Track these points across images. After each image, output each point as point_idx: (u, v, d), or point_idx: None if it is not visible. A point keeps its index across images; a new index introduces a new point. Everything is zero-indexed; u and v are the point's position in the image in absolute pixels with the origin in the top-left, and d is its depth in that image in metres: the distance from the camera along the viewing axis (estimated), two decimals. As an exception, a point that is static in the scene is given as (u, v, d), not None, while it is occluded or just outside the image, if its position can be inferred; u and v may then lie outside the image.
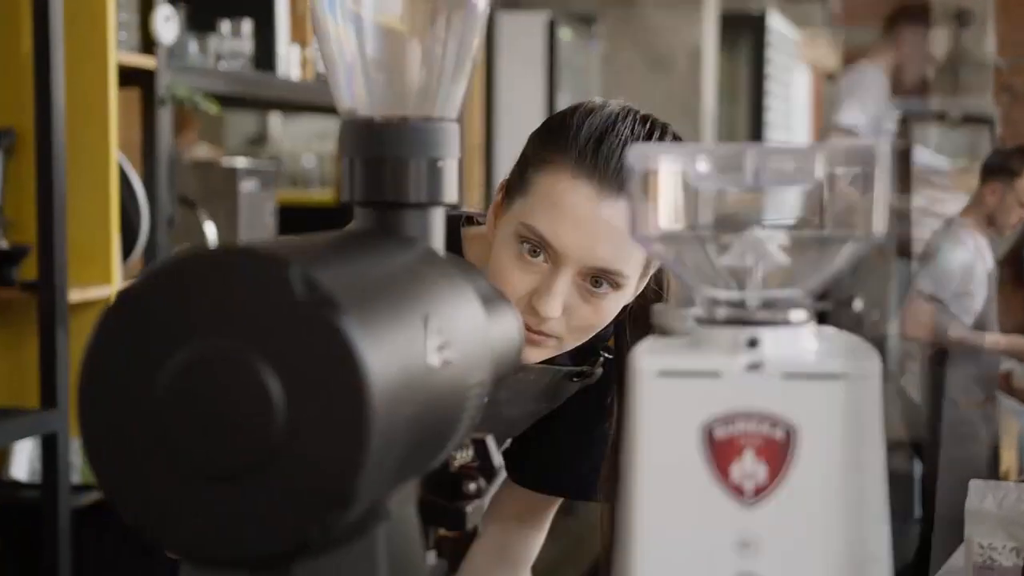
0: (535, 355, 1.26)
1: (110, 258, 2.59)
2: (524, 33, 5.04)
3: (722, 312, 0.67)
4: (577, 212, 1.19)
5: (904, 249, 4.46)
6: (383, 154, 0.73)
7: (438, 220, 0.75)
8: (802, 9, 7.95)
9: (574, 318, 1.23)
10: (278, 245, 0.62)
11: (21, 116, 2.45)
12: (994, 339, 4.48)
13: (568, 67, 5.27)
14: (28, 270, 2.47)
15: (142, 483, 0.60)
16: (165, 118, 2.82)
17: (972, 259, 4.31)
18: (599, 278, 1.22)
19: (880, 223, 0.65)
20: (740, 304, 0.67)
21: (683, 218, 0.68)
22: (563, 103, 4.76)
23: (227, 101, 3.40)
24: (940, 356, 3.90)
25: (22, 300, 2.49)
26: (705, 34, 5.86)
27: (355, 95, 0.74)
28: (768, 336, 0.65)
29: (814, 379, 0.64)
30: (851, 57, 7.08)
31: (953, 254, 4.22)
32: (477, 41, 0.76)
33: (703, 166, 0.66)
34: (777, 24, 7.19)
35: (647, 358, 0.65)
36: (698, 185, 0.67)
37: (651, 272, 1.30)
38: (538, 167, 1.23)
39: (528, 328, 1.21)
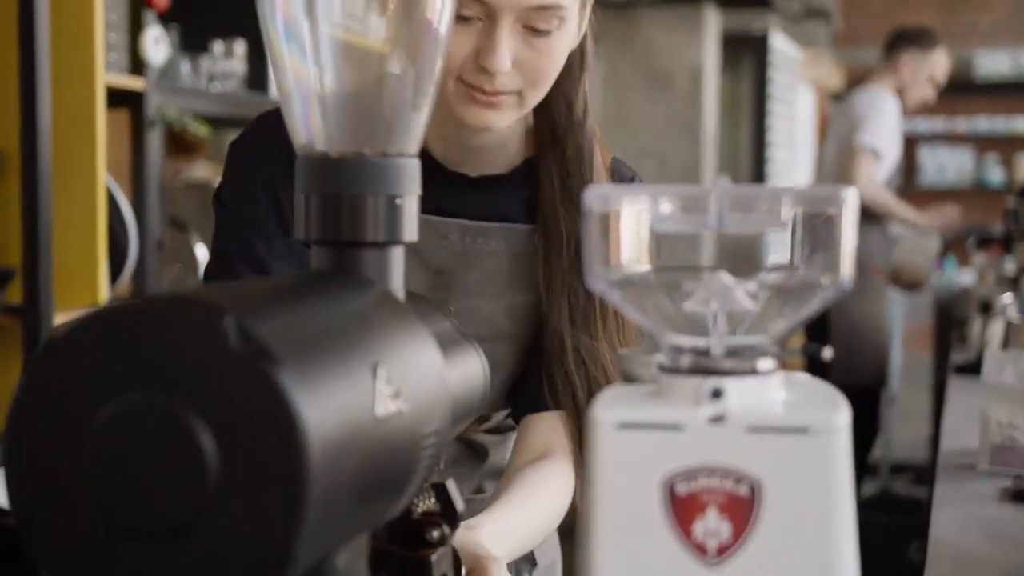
0: (497, 118, 1.23)
1: (97, 282, 2.56)
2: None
3: (686, 360, 0.64)
4: None
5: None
6: (339, 191, 0.70)
7: (397, 260, 0.72)
8: (805, 29, 7.92)
9: (526, 68, 1.21)
10: (216, 292, 0.59)
11: (7, 137, 2.42)
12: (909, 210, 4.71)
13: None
14: (13, 293, 2.44)
15: (69, 539, 0.57)
16: (154, 140, 2.79)
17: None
18: (537, 26, 1.19)
19: (848, 268, 0.62)
20: (705, 352, 0.64)
21: (646, 261, 0.65)
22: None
23: (219, 122, 3.37)
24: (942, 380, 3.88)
25: (6, 324, 2.46)
26: (706, 54, 5.83)
27: (311, 129, 0.71)
28: (733, 386, 0.61)
29: (780, 433, 0.60)
30: (854, 77, 7.07)
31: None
32: (438, 70, 0.74)
33: (666, 207, 0.63)
34: (780, 44, 7.17)
35: (606, 409, 0.62)
36: (660, 227, 0.64)
37: (590, 4, 1.27)
38: None
39: (483, 91, 1.20)
